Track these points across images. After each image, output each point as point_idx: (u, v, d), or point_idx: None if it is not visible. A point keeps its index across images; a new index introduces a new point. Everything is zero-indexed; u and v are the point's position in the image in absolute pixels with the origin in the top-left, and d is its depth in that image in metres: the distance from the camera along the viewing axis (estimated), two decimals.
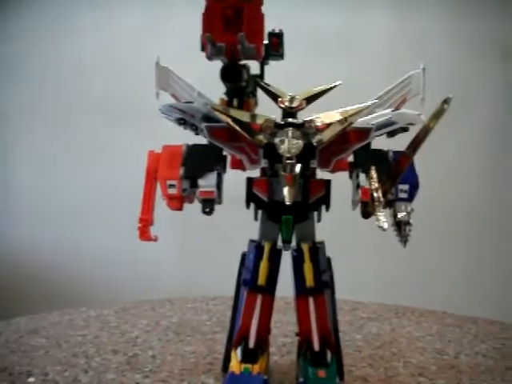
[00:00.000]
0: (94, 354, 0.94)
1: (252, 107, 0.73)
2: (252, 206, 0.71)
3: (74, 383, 0.82)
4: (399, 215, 0.69)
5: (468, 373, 0.87)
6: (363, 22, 1.97)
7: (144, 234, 0.73)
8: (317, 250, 0.72)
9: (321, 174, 0.71)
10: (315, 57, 1.87)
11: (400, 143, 0.69)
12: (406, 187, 0.70)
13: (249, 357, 0.71)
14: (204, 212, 0.70)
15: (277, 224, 0.69)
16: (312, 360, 0.71)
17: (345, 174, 0.73)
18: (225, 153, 0.72)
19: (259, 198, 0.70)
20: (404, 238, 0.69)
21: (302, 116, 0.66)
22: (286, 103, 0.66)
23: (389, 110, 0.76)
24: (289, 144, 0.63)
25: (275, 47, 0.73)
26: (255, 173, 0.72)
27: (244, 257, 0.76)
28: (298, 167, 0.63)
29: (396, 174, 0.66)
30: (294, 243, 0.72)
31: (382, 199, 0.62)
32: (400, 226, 0.69)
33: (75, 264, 2.02)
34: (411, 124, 0.74)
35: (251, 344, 0.72)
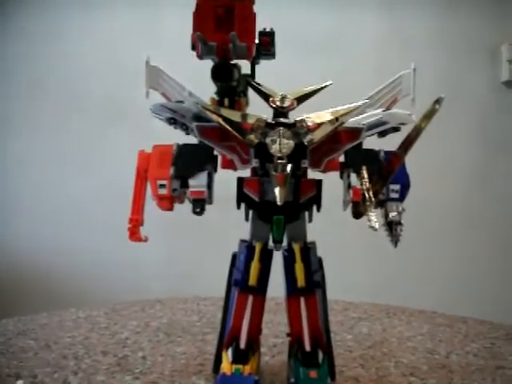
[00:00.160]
0: (84, 356, 0.93)
1: (243, 107, 0.73)
2: (243, 205, 0.71)
3: None
4: (390, 215, 0.69)
5: (459, 372, 0.87)
6: (354, 22, 1.98)
7: (134, 234, 0.73)
8: (308, 250, 0.72)
9: (312, 174, 0.71)
10: (306, 56, 1.88)
11: (391, 143, 0.69)
12: (397, 187, 0.70)
13: (240, 357, 0.71)
14: (194, 212, 0.70)
15: (268, 224, 0.69)
16: (303, 360, 0.71)
17: (336, 174, 0.73)
18: (216, 152, 0.72)
19: (250, 197, 0.69)
20: (395, 238, 0.69)
21: (293, 116, 0.66)
22: (278, 103, 0.66)
23: (380, 110, 0.76)
24: (280, 144, 0.63)
25: (266, 46, 0.73)
26: (246, 172, 0.72)
27: (235, 257, 0.75)
28: (289, 167, 0.63)
29: (387, 174, 0.65)
30: (285, 243, 0.71)
31: (373, 199, 0.62)
32: (391, 226, 0.69)
33: (64, 265, 2.01)
34: (402, 124, 0.75)
35: (242, 345, 0.72)
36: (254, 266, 0.71)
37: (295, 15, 1.89)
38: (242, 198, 0.70)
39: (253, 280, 0.71)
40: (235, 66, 0.69)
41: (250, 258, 0.71)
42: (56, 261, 2.01)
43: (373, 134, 0.75)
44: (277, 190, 0.62)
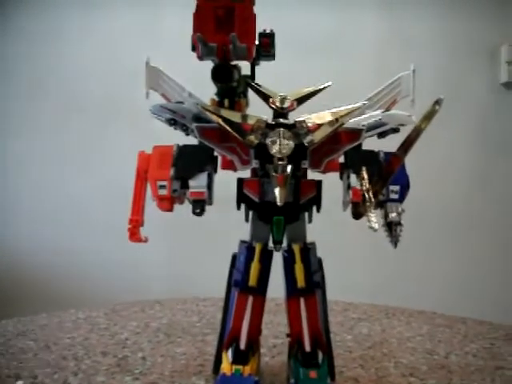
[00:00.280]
0: (84, 357, 0.93)
1: (243, 108, 0.73)
2: (243, 206, 0.71)
3: None
4: (390, 216, 0.69)
5: (458, 372, 0.87)
6: (354, 22, 1.98)
7: (134, 235, 0.73)
8: (308, 250, 0.72)
9: (312, 175, 0.71)
10: (306, 57, 1.88)
11: (391, 144, 0.69)
12: (396, 188, 0.70)
13: (240, 358, 0.71)
14: (194, 213, 0.70)
15: (268, 225, 0.69)
16: (303, 361, 0.71)
17: (336, 175, 0.73)
18: (216, 153, 0.72)
19: (250, 198, 0.70)
20: (395, 239, 0.69)
21: (293, 117, 0.66)
22: (277, 104, 0.66)
23: (379, 111, 0.76)
24: (280, 145, 0.63)
25: (266, 48, 0.73)
26: (246, 173, 0.72)
27: (235, 258, 0.75)
28: (289, 168, 0.63)
29: (387, 175, 0.66)
30: (284, 244, 0.71)
31: (373, 200, 0.63)
32: (391, 227, 0.69)
33: (64, 265, 2.01)
34: (402, 125, 0.75)
35: (242, 345, 0.72)
36: (254, 267, 0.71)
37: (295, 16, 1.89)
38: (242, 198, 0.70)
39: (253, 281, 0.71)
40: (235, 67, 0.69)
41: (250, 258, 0.71)
42: (56, 261, 2.01)
43: (372, 135, 0.76)
44: (277, 191, 0.62)
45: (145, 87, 0.75)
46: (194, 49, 0.68)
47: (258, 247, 0.71)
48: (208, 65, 0.70)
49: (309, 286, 0.71)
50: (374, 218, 0.62)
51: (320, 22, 1.96)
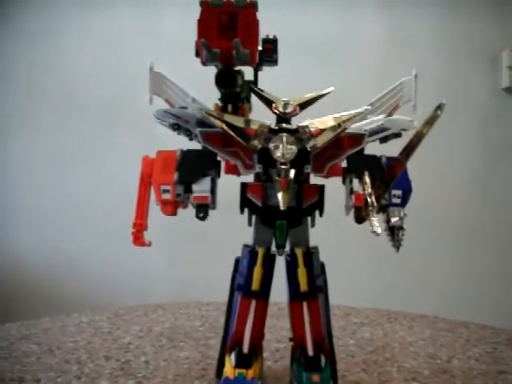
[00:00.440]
0: (87, 360, 0.93)
1: (246, 113, 0.74)
2: (246, 211, 0.71)
3: None
4: (392, 220, 0.69)
5: (461, 377, 0.88)
6: (355, 26, 1.99)
7: (138, 239, 0.73)
8: (311, 254, 0.72)
9: (314, 180, 0.72)
10: (307, 61, 1.88)
11: (393, 149, 0.70)
12: (399, 192, 0.70)
13: (243, 362, 0.71)
14: (198, 217, 0.70)
15: (271, 229, 0.69)
16: (306, 365, 0.71)
17: (338, 180, 0.74)
18: (219, 158, 0.72)
19: (253, 203, 0.70)
20: (397, 243, 0.69)
21: (296, 122, 0.67)
22: (280, 109, 0.66)
23: (381, 116, 0.76)
24: (283, 149, 0.63)
25: (269, 53, 0.74)
26: (249, 178, 0.72)
27: (238, 262, 0.75)
28: (292, 172, 0.63)
29: (389, 180, 0.66)
30: (287, 248, 0.72)
31: (375, 204, 0.63)
32: (393, 231, 0.69)
33: (66, 270, 2.01)
34: (404, 130, 0.75)
35: (245, 349, 0.72)
36: (257, 271, 0.71)
37: (295, 19, 1.90)
38: (245, 203, 0.70)
39: (256, 285, 0.71)
40: (239, 72, 0.70)
41: (252, 262, 0.71)
42: (58, 265, 2.01)
43: (375, 140, 0.76)
44: (280, 195, 0.63)
45: (148, 93, 0.76)
46: (197, 54, 0.69)
47: (260, 251, 0.72)
48: (208, 68, 0.70)
49: (311, 290, 0.71)
50: (377, 222, 0.62)
51: (321, 26, 1.96)
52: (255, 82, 0.76)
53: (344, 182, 0.73)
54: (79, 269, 2.01)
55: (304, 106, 0.68)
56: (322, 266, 0.75)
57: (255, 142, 0.65)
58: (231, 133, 0.65)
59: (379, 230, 0.62)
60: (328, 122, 0.66)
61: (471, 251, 1.97)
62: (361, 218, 0.68)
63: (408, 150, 0.63)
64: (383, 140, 0.77)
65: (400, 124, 0.76)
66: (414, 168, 0.71)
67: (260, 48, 0.71)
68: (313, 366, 0.71)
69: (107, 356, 0.96)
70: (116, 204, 1.87)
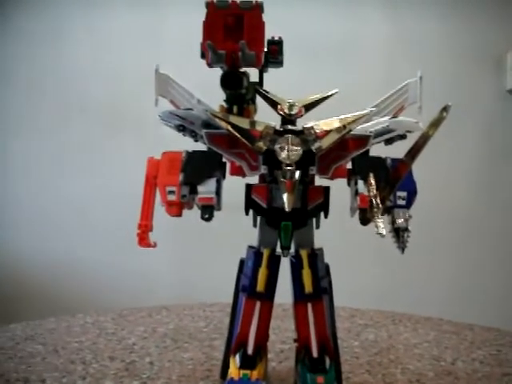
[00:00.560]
0: (92, 361, 0.94)
1: (252, 114, 0.74)
2: (251, 212, 0.71)
3: None
4: (397, 222, 0.69)
5: (465, 379, 0.87)
6: (360, 29, 1.99)
7: (143, 240, 0.73)
8: (315, 256, 0.72)
9: (319, 181, 0.72)
10: (312, 62, 1.89)
11: (398, 151, 0.70)
12: (404, 194, 0.70)
13: (247, 363, 0.71)
14: (203, 218, 0.70)
15: (276, 230, 0.69)
16: (310, 366, 0.71)
17: (343, 181, 0.74)
18: (224, 159, 0.72)
19: (258, 204, 0.70)
20: (402, 245, 0.69)
21: (301, 123, 0.67)
22: (286, 110, 0.67)
23: (387, 118, 0.77)
24: (288, 151, 0.64)
25: (274, 55, 0.74)
26: (254, 179, 0.73)
27: (242, 263, 0.76)
28: (297, 174, 0.63)
29: (394, 181, 0.66)
30: (292, 249, 0.72)
31: (380, 206, 0.63)
32: (398, 233, 0.69)
33: (71, 270, 2.02)
34: (409, 131, 0.75)
35: (250, 350, 0.72)
36: (262, 272, 0.71)
37: (302, 21, 1.90)
38: (250, 204, 0.70)
39: (260, 286, 0.71)
40: (244, 73, 0.70)
41: (257, 264, 0.72)
42: (60, 266, 2.02)
43: (380, 142, 0.76)
44: (285, 197, 0.63)
45: (154, 94, 0.76)
46: (203, 56, 0.69)
47: (265, 253, 0.72)
48: (215, 71, 0.71)
49: (316, 291, 0.71)
50: (382, 224, 0.62)
51: (326, 27, 1.96)
52: (260, 83, 0.76)
53: (349, 184, 0.73)
54: (83, 270, 2.01)
55: (309, 107, 0.69)
56: (327, 267, 0.75)
57: (260, 144, 0.65)
58: (236, 134, 0.65)
59: (384, 232, 0.62)
60: (333, 123, 0.66)
61: (476, 253, 1.97)
62: (366, 219, 0.68)
63: (413, 152, 0.63)
64: (388, 142, 0.77)
65: (405, 126, 0.76)
66: (418, 169, 0.71)
67: (265, 49, 0.72)
68: (317, 367, 0.71)
69: (112, 356, 0.96)
70: (118, 204, 1.88)
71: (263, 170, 0.66)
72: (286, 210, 0.63)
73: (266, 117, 0.69)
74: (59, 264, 2.02)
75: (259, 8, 0.66)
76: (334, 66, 1.92)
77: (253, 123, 0.66)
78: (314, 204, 0.70)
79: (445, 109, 0.60)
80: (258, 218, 0.72)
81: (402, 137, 0.76)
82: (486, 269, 1.97)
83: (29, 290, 2.00)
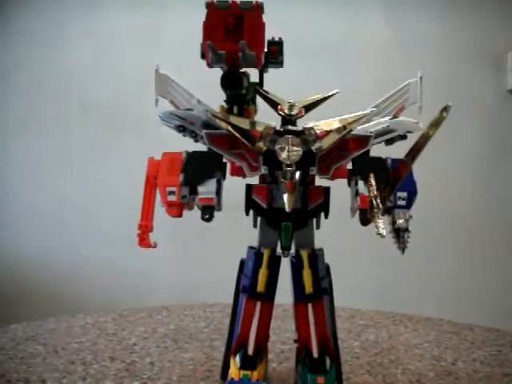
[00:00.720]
0: (92, 361, 0.94)
1: (252, 114, 0.74)
2: (251, 212, 0.71)
3: None
4: (398, 222, 0.69)
5: (466, 379, 0.87)
6: (360, 29, 1.99)
7: (143, 240, 0.73)
8: (316, 256, 0.72)
9: (319, 181, 0.72)
10: (312, 62, 1.89)
11: (398, 151, 0.70)
12: (404, 194, 0.70)
13: (248, 363, 0.71)
14: (203, 219, 0.70)
15: (276, 231, 0.69)
16: (311, 367, 0.71)
17: (344, 182, 0.74)
18: (224, 160, 0.72)
19: (258, 204, 0.70)
20: (402, 245, 0.69)
21: (301, 123, 0.67)
22: (286, 111, 0.67)
23: (387, 118, 0.76)
24: (289, 151, 0.64)
25: (275, 55, 0.74)
26: (255, 180, 0.73)
27: (243, 264, 0.75)
28: (297, 174, 0.63)
29: (395, 182, 0.66)
30: (292, 250, 0.72)
31: (380, 206, 0.63)
32: (398, 233, 0.69)
33: (72, 271, 2.02)
34: (409, 132, 0.75)
35: (250, 351, 0.72)
36: (262, 273, 0.71)
37: (302, 22, 1.90)
38: (250, 204, 0.70)
39: (261, 286, 0.71)
40: (244, 74, 0.70)
41: (258, 264, 0.72)
42: (63, 267, 2.02)
43: (380, 142, 0.76)
44: (285, 197, 0.63)
45: (154, 94, 0.76)
46: (203, 56, 0.69)
47: (266, 253, 0.72)
48: (216, 71, 0.71)
49: (317, 291, 0.71)
50: (382, 224, 0.62)
51: (326, 27, 1.96)
52: (261, 83, 0.76)
53: (349, 184, 0.73)
54: (83, 270, 2.01)
55: (309, 107, 0.69)
56: (327, 267, 0.75)
57: (260, 144, 0.65)
58: (237, 135, 0.65)
59: (384, 232, 0.62)
60: (333, 123, 0.66)
61: (476, 253, 1.97)
62: (366, 220, 0.68)
63: (414, 152, 0.63)
64: (389, 142, 0.77)
65: (405, 126, 0.75)
66: (418, 170, 0.71)
67: (266, 50, 0.72)
68: (318, 367, 0.71)
69: (112, 357, 0.96)
70: (118, 205, 1.88)
71: (263, 170, 0.66)
72: (287, 210, 0.63)
73: (266, 117, 0.69)
74: (59, 264, 2.02)
75: (259, 8, 0.66)
76: (333, 66, 1.92)
77: (253, 124, 0.66)
78: (315, 204, 0.70)
79: (445, 109, 0.60)
80: (259, 219, 0.72)
81: (403, 137, 0.76)
82: (486, 269, 1.97)
83: (29, 291, 2.00)
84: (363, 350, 1.01)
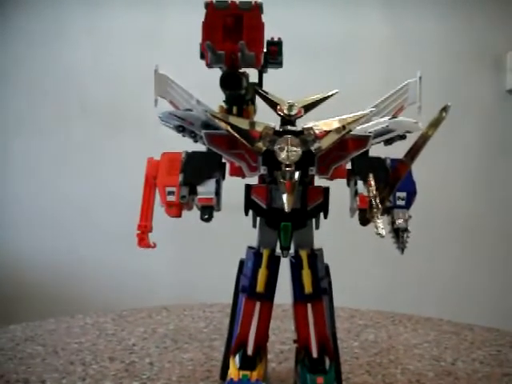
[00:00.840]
0: (92, 362, 0.94)
1: (251, 115, 0.74)
2: (251, 212, 0.71)
3: None
4: (397, 222, 0.69)
5: (465, 379, 0.87)
6: (359, 29, 1.99)
7: (143, 240, 0.73)
8: (315, 256, 0.72)
9: (319, 182, 0.72)
10: (312, 64, 1.89)
11: (397, 151, 0.70)
12: (403, 195, 0.70)
13: (247, 364, 0.71)
14: (203, 219, 0.70)
15: (275, 231, 0.69)
16: (310, 367, 0.71)
17: (343, 182, 0.74)
18: (224, 160, 0.72)
19: (258, 204, 0.70)
20: (402, 245, 0.69)
21: (300, 123, 0.67)
22: (285, 111, 0.67)
23: (386, 118, 0.76)
24: (288, 151, 0.64)
25: (274, 55, 0.74)
26: (254, 180, 0.72)
27: (242, 264, 0.76)
28: (296, 174, 0.63)
29: (394, 182, 0.66)
30: (292, 250, 0.72)
31: (379, 206, 0.63)
32: (398, 233, 0.69)
33: (71, 271, 2.02)
34: (409, 132, 0.75)
35: (249, 351, 0.72)
36: (262, 273, 0.71)
37: (301, 22, 1.90)
38: (249, 205, 0.70)
39: (260, 286, 0.71)
40: (243, 74, 0.70)
41: (257, 264, 0.72)
42: (63, 267, 2.02)
43: (379, 142, 0.76)
44: (285, 197, 0.63)
45: (154, 95, 0.76)
46: (202, 56, 0.69)
47: (265, 253, 0.72)
48: (215, 71, 0.71)
49: (316, 292, 0.71)
50: (381, 224, 0.62)
51: (325, 27, 1.96)
52: (260, 84, 0.76)
53: (348, 184, 0.73)
54: (82, 270, 2.01)
55: (309, 107, 0.69)
56: (327, 267, 0.75)
57: (260, 144, 0.65)
58: (236, 135, 0.65)
59: (384, 232, 0.62)
60: (333, 123, 0.66)
61: (476, 253, 1.97)
62: (365, 220, 0.68)
63: (413, 152, 0.63)
64: (388, 142, 0.77)
65: (405, 126, 0.75)
66: (418, 169, 0.71)
67: (265, 50, 0.71)
68: (317, 368, 0.71)
69: (112, 357, 0.96)
70: (118, 205, 1.88)
71: (263, 170, 0.66)
72: (286, 210, 0.62)
73: (265, 117, 0.69)
74: (59, 265, 2.02)
75: (258, 8, 0.66)
76: (333, 66, 1.92)
77: (252, 124, 0.66)
78: (314, 204, 0.70)
79: (444, 109, 0.61)
80: (258, 219, 0.72)
81: (402, 137, 0.76)
82: (486, 269, 1.97)
83: (28, 291, 2.00)
84: (362, 350, 1.01)
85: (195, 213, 0.71)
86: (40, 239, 2.04)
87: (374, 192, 0.64)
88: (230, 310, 0.78)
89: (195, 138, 0.76)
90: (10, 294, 1.99)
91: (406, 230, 0.69)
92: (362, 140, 0.68)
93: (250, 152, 0.67)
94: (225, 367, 0.76)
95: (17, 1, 2.06)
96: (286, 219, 0.67)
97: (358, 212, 0.70)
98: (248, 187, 0.71)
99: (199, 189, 0.70)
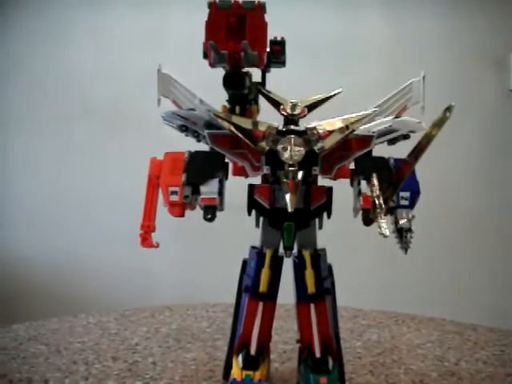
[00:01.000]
0: (94, 361, 0.94)
1: (254, 114, 0.74)
2: (253, 212, 0.71)
3: None
4: (400, 222, 0.69)
5: (469, 379, 0.87)
6: (362, 28, 1.98)
7: (146, 240, 0.73)
8: (318, 256, 0.72)
9: (322, 181, 0.72)
10: (315, 64, 1.89)
11: (401, 151, 0.70)
12: (407, 194, 0.70)
13: (250, 364, 0.71)
14: (206, 219, 0.70)
15: (278, 231, 0.69)
16: (313, 367, 0.71)
17: (346, 182, 0.73)
18: (227, 160, 0.72)
19: (261, 204, 0.70)
20: (405, 245, 0.69)
21: (303, 123, 0.67)
22: (288, 110, 0.67)
23: (390, 118, 0.76)
24: (291, 151, 0.64)
25: (277, 55, 0.74)
26: (257, 180, 0.72)
27: (245, 264, 0.75)
28: (300, 174, 0.63)
29: (397, 182, 0.66)
30: (295, 250, 0.72)
31: (383, 206, 0.63)
32: (401, 233, 0.69)
33: (74, 271, 2.02)
34: (412, 131, 0.75)
35: (252, 351, 0.72)
36: (265, 273, 0.71)
37: (304, 21, 1.90)
38: (252, 204, 0.70)
39: (263, 286, 0.71)
40: (246, 73, 0.70)
41: (260, 264, 0.71)
42: (65, 267, 2.02)
43: (383, 142, 0.76)
44: (288, 197, 0.63)
45: (157, 94, 0.76)
46: (205, 56, 0.69)
47: (268, 253, 0.72)
48: (216, 69, 0.71)
49: (319, 292, 0.71)
50: (385, 224, 0.62)
51: (328, 27, 1.96)
52: (263, 83, 0.76)
53: (352, 184, 0.73)
54: (85, 270, 2.01)
55: (312, 107, 0.68)
56: (330, 267, 0.75)
57: (263, 144, 0.65)
58: (239, 134, 0.65)
59: (387, 232, 0.62)
60: (336, 123, 0.65)
61: (480, 253, 1.96)
62: (369, 220, 0.67)
63: (417, 152, 0.63)
64: (391, 142, 0.77)
65: (408, 125, 0.75)
66: (419, 169, 0.71)
67: (268, 49, 0.71)
68: (320, 368, 0.71)
69: (114, 357, 0.96)
70: (120, 205, 1.88)
71: (266, 170, 0.66)
72: (289, 210, 0.62)
73: (268, 117, 0.68)
74: (61, 264, 2.02)
75: (261, 8, 0.66)
76: (335, 66, 1.91)
77: (255, 123, 0.66)
78: (317, 204, 0.69)
79: (448, 109, 0.60)
80: (261, 219, 0.72)
81: (405, 137, 0.76)
82: (488, 268, 1.97)
83: (31, 291, 2.00)
84: (366, 350, 1.01)
85: (198, 213, 0.71)
86: (41, 239, 2.04)
87: (378, 192, 0.64)
88: (232, 309, 0.78)
89: (198, 137, 0.76)
90: (14, 294, 1.99)
91: (409, 229, 0.69)
92: (366, 140, 0.68)
93: (253, 152, 0.67)
94: (228, 367, 0.76)
95: (17, 0, 2.06)
96: (289, 219, 0.67)
97: (361, 212, 0.70)
98: (251, 187, 0.70)
99: (202, 188, 0.70)
